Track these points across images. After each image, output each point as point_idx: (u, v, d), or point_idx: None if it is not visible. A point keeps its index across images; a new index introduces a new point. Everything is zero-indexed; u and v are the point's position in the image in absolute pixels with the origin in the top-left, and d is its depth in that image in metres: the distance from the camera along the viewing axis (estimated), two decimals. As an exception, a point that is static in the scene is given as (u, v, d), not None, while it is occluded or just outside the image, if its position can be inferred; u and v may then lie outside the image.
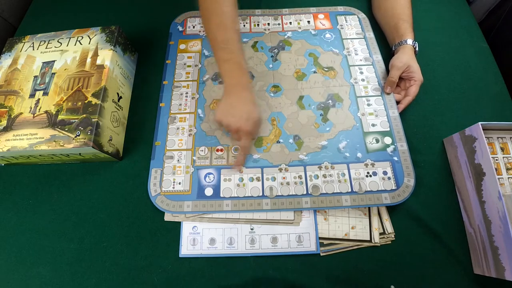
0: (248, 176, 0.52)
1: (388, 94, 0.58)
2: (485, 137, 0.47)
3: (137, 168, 0.54)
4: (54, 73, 0.53)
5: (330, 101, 0.58)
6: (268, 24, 0.68)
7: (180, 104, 0.59)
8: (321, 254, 0.48)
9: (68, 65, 0.53)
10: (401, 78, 0.58)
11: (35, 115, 0.49)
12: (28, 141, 0.47)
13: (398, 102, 0.57)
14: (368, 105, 0.57)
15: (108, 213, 0.51)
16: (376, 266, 0.47)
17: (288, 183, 0.51)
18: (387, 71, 0.60)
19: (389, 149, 0.53)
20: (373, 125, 0.55)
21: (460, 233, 0.49)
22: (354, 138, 0.54)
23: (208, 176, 0.52)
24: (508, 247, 0.40)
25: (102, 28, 0.57)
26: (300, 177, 0.51)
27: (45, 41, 0.57)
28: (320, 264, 0.48)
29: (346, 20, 0.68)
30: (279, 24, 0.68)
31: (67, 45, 0.56)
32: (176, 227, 0.50)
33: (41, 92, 0.51)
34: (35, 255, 0.49)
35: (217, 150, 0.54)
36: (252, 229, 0.50)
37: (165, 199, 0.50)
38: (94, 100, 0.50)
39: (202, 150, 0.54)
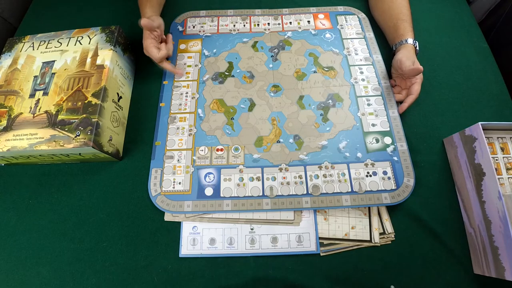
0: (248, 176, 0.52)
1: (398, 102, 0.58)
2: (485, 137, 0.47)
3: (137, 168, 0.54)
4: (54, 73, 0.53)
5: (330, 101, 0.58)
6: (268, 24, 0.68)
7: (180, 104, 0.59)
8: (321, 254, 0.48)
9: (68, 65, 0.53)
10: (401, 78, 0.58)
11: (35, 115, 0.49)
12: (28, 141, 0.47)
13: (399, 102, 0.57)
14: (368, 105, 0.57)
15: (108, 213, 0.51)
16: (376, 266, 0.47)
17: (288, 183, 0.51)
18: (387, 71, 0.61)
19: (389, 149, 0.53)
20: (373, 125, 0.55)
21: (460, 233, 0.49)
22: (354, 138, 0.54)
23: (208, 176, 0.52)
24: (508, 247, 0.40)
25: (102, 28, 0.57)
26: (300, 177, 0.51)
27: (45, 41, 0.57)
28: (320, 264, 0.48)
29: (346, 20, 0.68)
30: (279, 24, 0.68)
31: (67, 45, 0.56)
32: (176, 227, 0.50)
33: (41, 92, 0.51)
34: (35, 255, 0.49)
35: (217, 150, 0.54)
36: (252, 229, 0.50)
37: (165, 199, 0.50)
38: (94, 100, 0.49)
39: (202, 150, 0.54)
